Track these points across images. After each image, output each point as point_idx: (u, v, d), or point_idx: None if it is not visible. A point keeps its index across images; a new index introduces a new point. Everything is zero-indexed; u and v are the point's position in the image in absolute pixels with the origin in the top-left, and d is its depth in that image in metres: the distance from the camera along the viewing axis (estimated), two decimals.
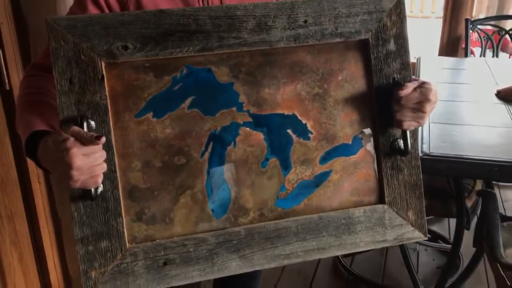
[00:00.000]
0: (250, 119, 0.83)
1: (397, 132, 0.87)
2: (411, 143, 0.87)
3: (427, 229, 0.90)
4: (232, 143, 0.83)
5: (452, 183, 1.76)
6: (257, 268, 0.83)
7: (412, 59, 2.79)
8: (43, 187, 1.43)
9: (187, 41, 0.79)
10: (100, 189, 0.76)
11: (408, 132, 0.84)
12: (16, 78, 1.28)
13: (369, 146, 0.88)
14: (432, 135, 1.74)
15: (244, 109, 0.83)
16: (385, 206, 0.88)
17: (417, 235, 0.90)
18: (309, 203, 0.86)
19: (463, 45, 3.10)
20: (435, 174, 1.64)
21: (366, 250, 0.92)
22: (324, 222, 0.86)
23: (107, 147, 0.77)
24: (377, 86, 0.86)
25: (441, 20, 3.49)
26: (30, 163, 1.35)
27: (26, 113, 0.79)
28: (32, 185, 1.40)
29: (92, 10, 0.89)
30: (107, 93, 0.77)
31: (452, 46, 3.70)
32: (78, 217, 0.76)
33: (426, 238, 0.90)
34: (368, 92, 0.87)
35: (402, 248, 2.08)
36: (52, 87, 0.78)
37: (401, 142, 0.86)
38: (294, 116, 0.85)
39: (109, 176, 0.77)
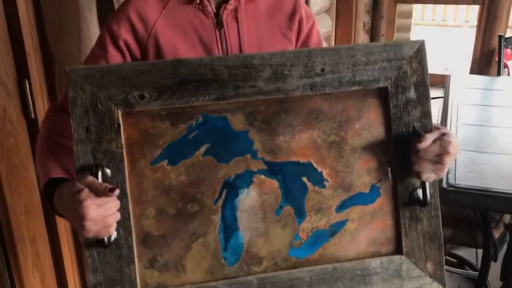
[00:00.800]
0: (265, 167, 0.83)
1: (416, 182, 0.84)
2: (430, 193, 0.84)
3: (446, 281, 0.88)
4: (246, 191, 0.82)
5: (478, 214, 1.71)
6: None
7: (443, 71, 2.71)
8: None
9: (203, 90, 0.79)
10: (114, 236, 0.77)
11: (427, 183, 0.82)
12: (41, 107, 1.32)
13: (387, 196, 0.86)
14: (459, 163, 1.68)
15: (259, 156, 0.82)
16: (403, 257, 0.86)
17: (436, 287, 0.87)
18: (324, 253, 0.85)
19: (496, 59, 3.01)
20: (460, 206, 1.60)
21: None
22: (339, 272, 0.84)
23: (122, 195, 0.77)
24: (396, 135, 0.84)
25: (475, 29, 3.41)
26: None
27: (45, 157, 0.80)
28: None
29: (112, 51, 0.91)
30: (123, 142, 0.78)
31: (486, 59, 3.60)
32: (92, 264, 0.77)
33: None
34: (386, 141, 0.85)
35: None
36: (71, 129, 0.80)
37: (420, 192, 0.84)
38: (309, 164, 0.84)
39: (123, 223, 0.78)
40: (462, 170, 1.64)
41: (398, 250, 0.86)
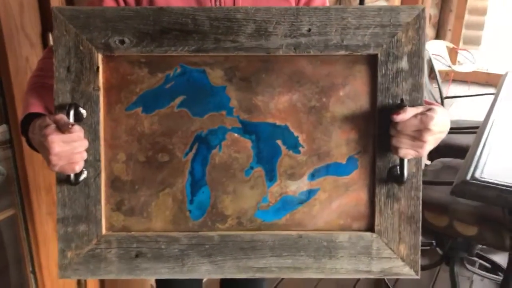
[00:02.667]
0: (239, 125, 0.81)
1: (397, 159, 0.80)
2: (411, 172, 0.79)
3: (420, 267, 0.83)
4: (218, 147, 0.81)
5: (507, 213, 1.59)
6: (228, 276, 0.82)
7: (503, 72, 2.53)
8: None
9: (183, 40, 0.79)
10: (84, 176, 0.79)
11: (406, 160, 0.77)
12: None
13: (365, 169, 0.82)
14: (491, 158, 1.58)
15: (234, 114, 0.81)
16: (374, 235, 0.82)
17: (407, 272, 0.83)
18: (291, 219, 0.83)
19: None
20: (482, 201, 1.49)
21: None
22: (303, 241, 0.82)
23: (95, 136, 0.80)
24: (382, 106, 0.80)
25: None
26: None
27: (29, 94, 0.84)
28: None
29: (109, 3, 0.91)
30: (100, 85, 0.80)
31: None
32: (61, 199, 0.81)
33: (418, 277, 0.83)
34: (371, 112, 0.81)
35: (452, 274, 1.93)
36: None
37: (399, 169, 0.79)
38: (286, 127, 0.81)
39: (94, 164, 0.80)
40: (492, 164, 1.53)
41: (370, 227, 0.83)
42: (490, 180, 1.43)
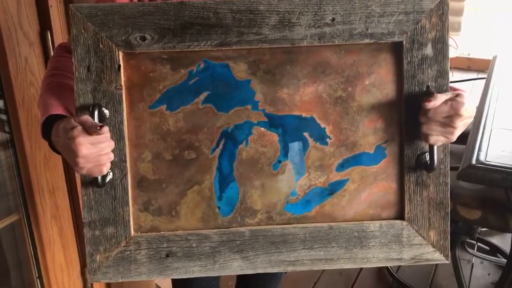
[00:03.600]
0: (265, 119, 0.80)
1: (425, 146, 0.80)
2: (439, 159, 0.80)
3: (449, 252, 0.83)
4: (244, 142, 0.80)
5: (510, 195, 1.61)
6: (260, 271, 0.82)
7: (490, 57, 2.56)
8: None
9: (206, 35, 0.77)
10: (110, 177, 0.78)
11: (435, 147, 0.77)
12: None
13: (393, 158, 0.82)
14: (493, 142, 1.59)
15: (260, 108, 0.80)
16: (404, 223, 0.82)
17: (438, 257, 0.83)
18: (321, 211, 0.82)
19: None
20: (489, 184, 1.51)
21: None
22: (334, 232, 0.82)
23: (119, 136, 0.78)
24: (408, 94, 0.79)
25: None
26: None
27: (47, 95, 0.81)
28: None
29: None
30: (122, 83, 0.78)
31: None
32: (87, 202, 0.79)
33: (448, 262, 0.83)
34: (397, 100, 0.80)
35: (454, 258, 1.95)
36: None
37: (428, 156, 0.79)
38: (312, 119, 0.81)
39: (119, 165, 0.78)
40: (496, 148, 1.55)
41: (400, 216, 0.83)
42: (495, 163, 1.45)
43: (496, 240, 2.32)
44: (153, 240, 0.80)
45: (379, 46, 0.79)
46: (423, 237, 0.82)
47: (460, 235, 1.94)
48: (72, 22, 0.76)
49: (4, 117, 1.29)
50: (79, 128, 0.70)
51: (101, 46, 0.77)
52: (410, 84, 0.79)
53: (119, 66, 0.77)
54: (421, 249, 0.83)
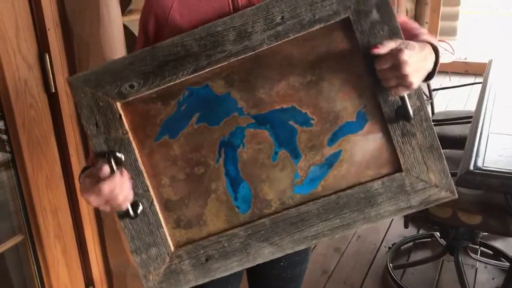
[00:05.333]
0: (252, 120, 0.91)
1: (399, 98, 0.86)
2: (416, 106, 0.86)
3: (455, 188, 0.89)
4: (241, 145, 0.91)
5: (510, 200, 1.59)
6: (289, 251, 0.91)
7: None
8: None
9: (181, 67, 0.89)
10: (140, 208, 0.91)
11: (406, 97, 0.84)
12: (61, 81, 1.36)
13: (375, 119, 0.89)
14: (490, 147, 1.60)
15: (245, 112, 0.91)
16: (403, 173, 0.89)
17: (445, 195, 0.89)
18: (326, 185, 0.91)
19: None
20: (487, 190, 1.52)
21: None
22: (343, 200, 0.90)
23: (137, 172, 0.91)
24: (368, 59, 0.87)
25: None
26: (74, 160, 1.44)
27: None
28: (76, 180, 1.41)
29: (141, 36, 1.01)
30: (127, 128, 0.91)
31: None
32: (129, 233, 0.92)
33: (456, 197, 0.89)
34: (360, 67, 0.88)
35: (457, 264, 1.94)
36: None
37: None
38: (292, 107, 0.90)
39: (145, 195, 0.92)
40: (492, 153, 1.56)
41: (397, 168, 0.90)
42: (492, 169, 1.46)
43: (499, 244, 2.28)
44: (192, 250, 0.92)
45: (330, 27, 0.88)
46: (425, 181, 0.89)
47: (462, 241, 1.94)
48: (72, 90, 0.91)
49: (4, 137, 1.33)
50: (87, 180, 0.83)
51: (100, 103, 0.91)
52: (368, 50, 0.87)
53: (120, 115, 0.91)
54: (426, 192, 0.89)
